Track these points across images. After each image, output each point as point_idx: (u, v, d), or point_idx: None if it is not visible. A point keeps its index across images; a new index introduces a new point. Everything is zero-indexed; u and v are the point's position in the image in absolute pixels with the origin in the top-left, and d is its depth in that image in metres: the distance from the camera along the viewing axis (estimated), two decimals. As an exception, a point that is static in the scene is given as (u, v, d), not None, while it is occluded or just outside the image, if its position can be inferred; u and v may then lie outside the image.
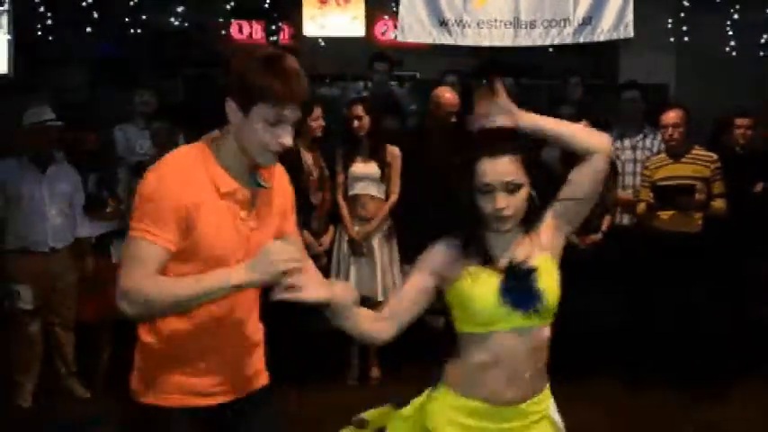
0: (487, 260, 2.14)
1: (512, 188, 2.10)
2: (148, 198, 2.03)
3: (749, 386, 5.13)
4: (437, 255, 2.18)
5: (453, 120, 5.28)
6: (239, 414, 2.24)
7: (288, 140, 2.06)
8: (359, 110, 5.18)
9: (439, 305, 2.24)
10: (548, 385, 2.24)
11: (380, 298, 4.92)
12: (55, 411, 4.82)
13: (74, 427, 4.63)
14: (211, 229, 2.07)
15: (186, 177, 2.05)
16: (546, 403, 2.22)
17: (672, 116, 5.17)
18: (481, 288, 2.11)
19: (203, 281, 1.97)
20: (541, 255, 2.16)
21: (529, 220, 2.18)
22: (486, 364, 2.12)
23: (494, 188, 2.08)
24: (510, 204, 2.10)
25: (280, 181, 2.28)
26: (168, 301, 1.97)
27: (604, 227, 5.35)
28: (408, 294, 2.16)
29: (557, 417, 2.24)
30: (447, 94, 5.36)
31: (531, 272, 2.11)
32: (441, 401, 2.18)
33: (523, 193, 2.13)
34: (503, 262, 2.15)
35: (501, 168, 2.08)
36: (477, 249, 2.14)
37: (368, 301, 4.70)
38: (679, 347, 5.07)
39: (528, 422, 2.16)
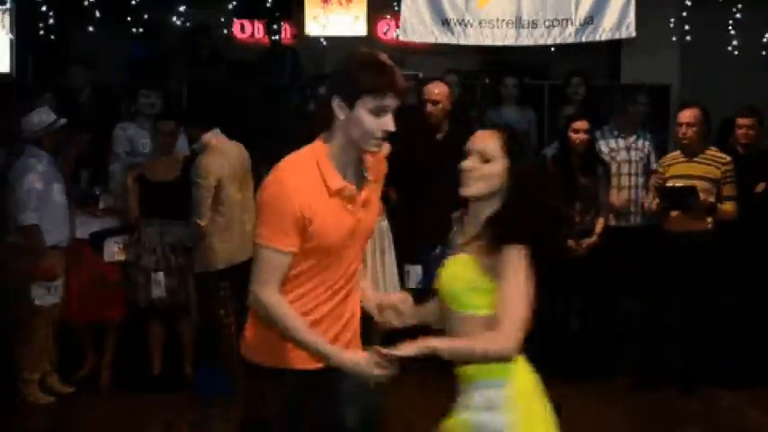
0: None
1: None
2: (270, 205, 2.29)
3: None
4: None
5: (442, 115, 5.30)
6: (337, 379, 2.44)
7: (390, 126, 2.30)
8: None
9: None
10: None
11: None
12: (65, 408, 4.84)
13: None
14: (323, 227, 2.32)
15: (301, 182, 2.29)
16: None
17: (688, 114, 5.15)
18: None
19: (309, 338, 2.32)
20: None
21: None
22: None
23: None
24: None
25: (380, 165, 2.52)
26: (282, 329, 2.34)
27: (598, 229, 5.34)
28: None
29: None
30: (436, 90, 5.36)
31: None
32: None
33: None
34: None
35: None
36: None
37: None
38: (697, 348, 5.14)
39: None
